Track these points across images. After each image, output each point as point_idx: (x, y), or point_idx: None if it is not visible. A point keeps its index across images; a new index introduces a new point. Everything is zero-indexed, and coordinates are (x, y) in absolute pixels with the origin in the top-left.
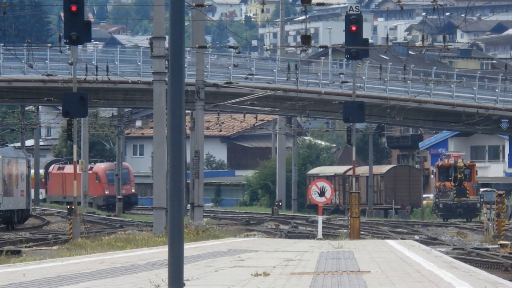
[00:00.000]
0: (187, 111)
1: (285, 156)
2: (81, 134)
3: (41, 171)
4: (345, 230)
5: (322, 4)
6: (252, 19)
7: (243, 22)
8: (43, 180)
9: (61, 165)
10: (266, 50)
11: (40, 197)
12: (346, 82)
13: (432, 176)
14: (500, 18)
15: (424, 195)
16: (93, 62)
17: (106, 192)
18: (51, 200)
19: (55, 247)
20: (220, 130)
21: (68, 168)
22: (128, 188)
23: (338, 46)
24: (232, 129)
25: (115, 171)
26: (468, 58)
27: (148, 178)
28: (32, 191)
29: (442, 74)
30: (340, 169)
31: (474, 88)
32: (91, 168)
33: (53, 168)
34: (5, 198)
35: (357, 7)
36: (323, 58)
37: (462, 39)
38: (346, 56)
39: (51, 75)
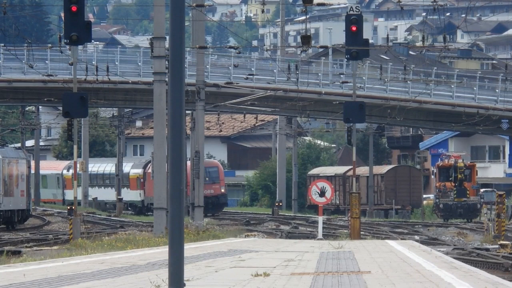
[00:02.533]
0: (187, 112)
1: (285, 157)
2: (81, 135)
3: (139, 171)
4: (345, 231)
5: (323, 4)
6: (253, 19)
7: (244, 22)
8: (142, 180)
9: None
10: (267, 50)
11: (139, 198)
12: (347, 82)
13: (432, 176)
14: (501, 18)
15: (424, 196)
16: (94, 63)
17: None
18: (147, 202)
19: (55, 247)
20: (221, 131)
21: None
22: (216, 187)
23: (339, 46)
24: (232, 129)
25: (205, 169)
26: (469, 58)
27: None
28: (32, 191)
29: (443, 75)
30: (340, 169)
31: (475, 88)
32: None
33: (149, 167)
34: (5, 198)
35: (357, 8)
36: (324, 58)
37: (462, 39)
38: (346, 56)
39: (52, 75)
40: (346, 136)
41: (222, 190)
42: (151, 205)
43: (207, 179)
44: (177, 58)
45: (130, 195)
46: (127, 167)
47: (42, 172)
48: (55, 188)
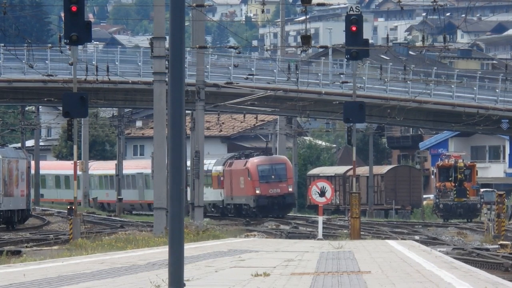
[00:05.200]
0: (187, 112)
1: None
2: (81, 135)
3: (220, 168)
4: (345, 231)
5: (323, 4)
6: (253, 19)
7: (244, 22)
8: (222, 178)
9: (231, 160)
10: (267, 50)
11: (220, 198)
12: (347, 82)
13: (432, 176)
14: (501, 18)
15: (424, 196)
16: (94, 63)
17: (257, 192)
18: (227, 202)
19: (55, 247)
20: (221, 131)
21: (237, 164)
22: (283, 186)
23: (339, 46)
24: (232, 129)
25: (272, 166)
26: (469, 58)
27: None
28: (32, 191)
29: (443, 75)
30: (341, 169)
31: (475, 88)
32: (245, 163)
33: (226, 164)
34: (5, 198)
35: (357, 8)
36: (324, 58)
37: (462, 39)
38: (346, 56)
39: (52, 75)
40: (346, 136)
41: (290, 189)
42: (231, 205)
43: (273, 177)
44: (177, 58)
45: (212, 194)
46: (209, 164)
47: (130, 171)
48: (143, 188)
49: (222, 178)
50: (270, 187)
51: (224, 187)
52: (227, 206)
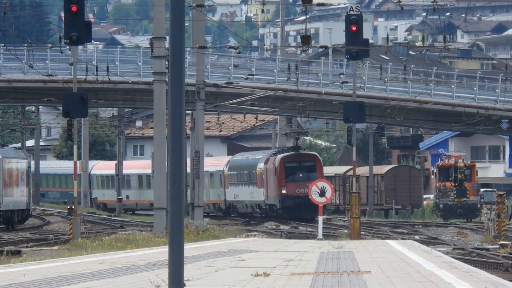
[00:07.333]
0: (187, 112)
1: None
2: (81, 134)
3: (262, 166)
4: (345, 231)
5: (323, 4)
6: (253, 19)
7: (244, 22)
8: (263, 176)
9: (269, 157)
10: (267, 50)
11: (262, 198)
12: (347, 82)
13: (432, 176)
14: (501, 18)
15: (424, 196)
16: (94, 63)
17: (283, 191)
18: (268, 203)
19: (55, 247)
20: (221, 131)
21: (270, 161)
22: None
23: (339, 46)
24: (232, 129)
25: (300, 163)
26: (469, 58)
27: None
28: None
29: (443, 75)
30: (341, 169)
31: (475, 88)
32: (274, 161)
33: (266, 162)
34: (5, 198)
35: (357, 8)
36: (324, 58)
37: (462, 39)
38: (346, 56)
39: (52, 75)
40: (346, 136)
41: None
42: (272, 207)
43: (300, 175)
44: (177, 58)
45: (257, 194)
46: (255, 161)
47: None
48: (219, 187)
49: (263, 177)
50: (297, 186)
51: (264, 186)
52: (266, 207)
